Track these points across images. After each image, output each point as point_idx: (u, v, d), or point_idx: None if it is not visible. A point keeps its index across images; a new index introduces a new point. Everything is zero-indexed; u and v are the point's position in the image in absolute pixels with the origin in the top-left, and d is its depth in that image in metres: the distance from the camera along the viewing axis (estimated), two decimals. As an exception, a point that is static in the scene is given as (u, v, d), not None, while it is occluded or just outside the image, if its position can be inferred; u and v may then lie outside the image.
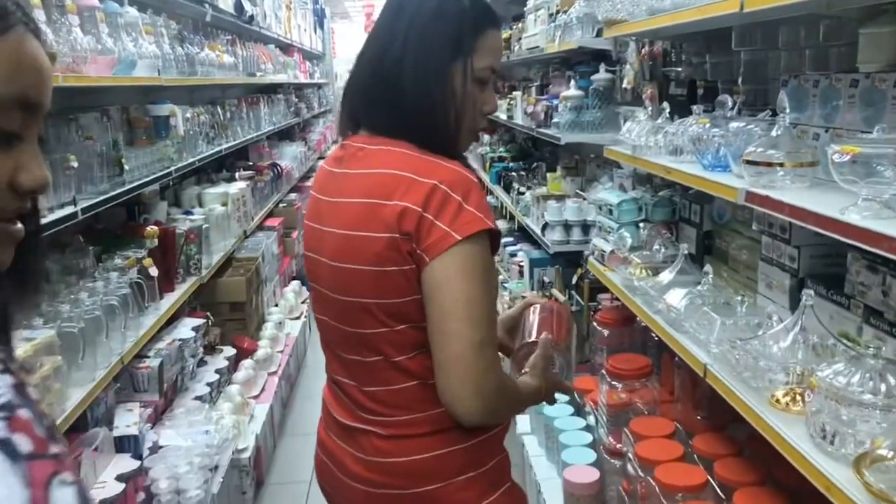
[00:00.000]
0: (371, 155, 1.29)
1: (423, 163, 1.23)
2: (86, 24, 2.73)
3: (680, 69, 2.74)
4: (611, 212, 2.82)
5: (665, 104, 2.46)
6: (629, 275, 2.47)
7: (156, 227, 3.12)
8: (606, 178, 3.54)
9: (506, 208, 5.15)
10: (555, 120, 3.57)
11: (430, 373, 1.24)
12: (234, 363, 3.66)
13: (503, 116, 5.20)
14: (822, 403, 1.39)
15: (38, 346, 1.98)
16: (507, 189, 5.01)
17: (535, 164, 5.05)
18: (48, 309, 2.27)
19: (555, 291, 3.18)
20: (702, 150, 2.03)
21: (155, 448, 2.57)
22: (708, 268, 2.13)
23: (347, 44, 19.24)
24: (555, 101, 3.76)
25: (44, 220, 2.24)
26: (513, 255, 4.64)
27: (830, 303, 1.75)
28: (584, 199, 3.60)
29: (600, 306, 3.08)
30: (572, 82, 3.51)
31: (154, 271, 2.93)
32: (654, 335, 2.33)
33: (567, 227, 3.51)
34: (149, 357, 2.80)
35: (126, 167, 2.90)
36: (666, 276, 2.26)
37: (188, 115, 3.83)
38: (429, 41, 1.27)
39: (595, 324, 2.91)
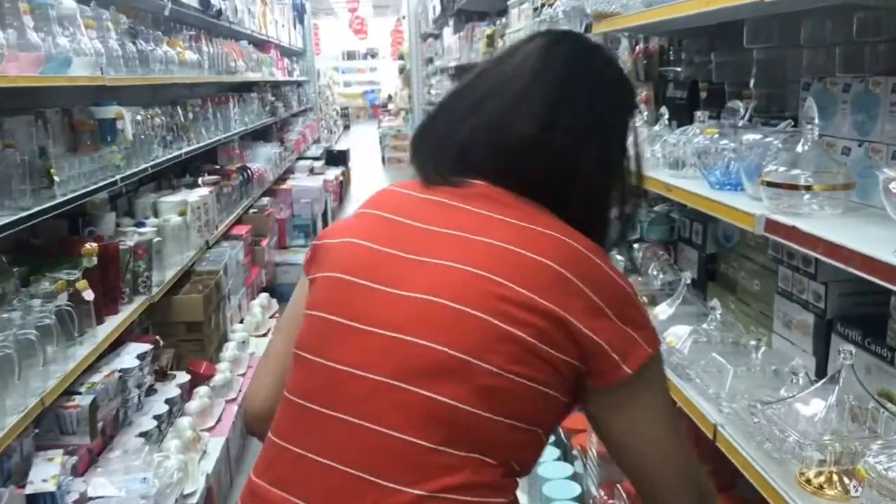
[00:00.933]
0: (509, 204, 1.05)
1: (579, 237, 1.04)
2: (6, 16, 2.40)
3: (679, 69, 2.44)
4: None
5: (663, 109, 2.16)
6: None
7: (94, 244, 2.79)
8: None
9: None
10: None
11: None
12: (189, 390, 3.33)
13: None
14: (873, 499, 1.09)
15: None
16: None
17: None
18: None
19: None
20: (708, 165, 1.73)
21: (82, 500, 2.24)
22: (715, 302, 1.83)
23: (332, 40, 18.92)
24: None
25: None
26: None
27: (867, 353, 1.45)
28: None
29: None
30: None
31: (89, 295, 2.60)
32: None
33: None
34: (80, 394, 2.47)
35: (57, 178, 2.57)
36: (665, 309, 1.96)
37: (139, 117, 3.50)
38: (613, 117, 1.14)
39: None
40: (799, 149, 1.41)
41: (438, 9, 8.18)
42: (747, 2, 1.44)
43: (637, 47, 2.67)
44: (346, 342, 1.01)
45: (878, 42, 1.54)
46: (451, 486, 0.94)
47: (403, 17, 15.38)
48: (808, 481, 1.29)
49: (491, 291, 0.96)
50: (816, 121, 1.41)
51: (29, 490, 2.09)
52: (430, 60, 10.66)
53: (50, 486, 2.09)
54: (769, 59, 1.94)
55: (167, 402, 3.09)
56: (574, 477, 2.41)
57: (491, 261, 0.98)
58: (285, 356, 1.11)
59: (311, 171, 8.57)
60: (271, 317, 4.77)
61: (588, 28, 2.70)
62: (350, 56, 21.95)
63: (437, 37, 9.89)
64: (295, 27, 10.07)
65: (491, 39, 5.00)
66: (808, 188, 1.36)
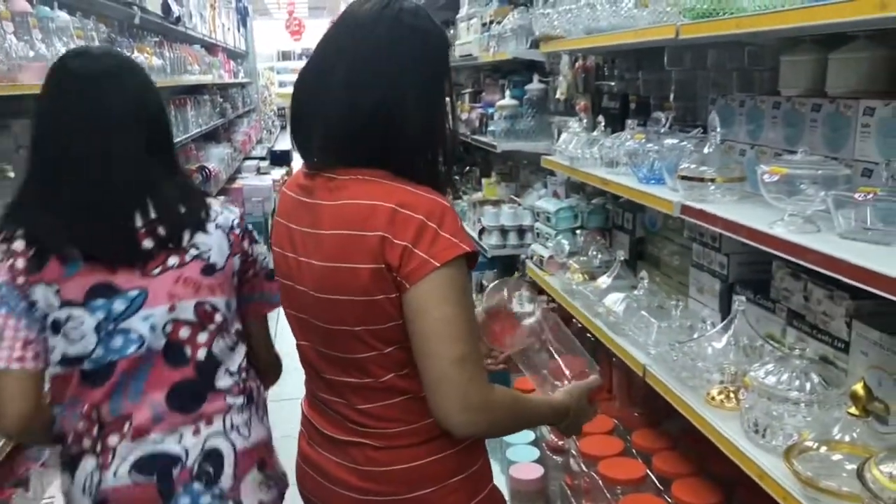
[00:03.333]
0: (345, 186, 1.29)
1: (399, 192, 1.25)
2: (18, 29, 2.68)
3: (613, 83, 2.89)
4: (548, 219, 2.94)
5: (600, 117, 2.59)
6: (568, 279, 2.59)
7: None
8: (541, 185, 3.68)
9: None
10: (490, 128, 3.68)
11: (419, 387, 1.29)
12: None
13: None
14: (754, 400, 1.54)
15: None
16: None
17: (467, 168, 5.16)
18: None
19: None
20: (637, 164, 2.16)
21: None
22: (644, 273, 2.27)
23: (267, 41, 18.95)
24: (490, 110, 3.87)
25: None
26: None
27: (757, 307, 1.90)
28: (519, 204, 3.73)
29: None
30: (507, 92, 3.62)
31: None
32: (590, 336, 2.46)
33: (503, 231, 3.63)
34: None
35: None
36: (604, 280, 2.39)
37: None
38: (428, 81, 1.31)
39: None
40: (706, 150, 1.85)
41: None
42: (665, 37, 1.87)
43: (577, 63, 3.11)
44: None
45: (762, 70, 2.01)
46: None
47: (341, 20, 15.62)
48: (713, 399, 1.72)
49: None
50: (719, 129, 1.86)
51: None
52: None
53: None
54: (684, 78, 2.39)
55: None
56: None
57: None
58: None
59: (258, 171, 8.82)
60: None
61: (534, 44, 3.14)
62: (285, 56, 21.94)
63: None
64: (239, 30, 10.27)
65: (438, 48, 5.39)
66: (712, 180, 1.80)
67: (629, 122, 2.35)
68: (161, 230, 1.48)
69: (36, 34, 2.78)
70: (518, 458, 2.69)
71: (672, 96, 2.44)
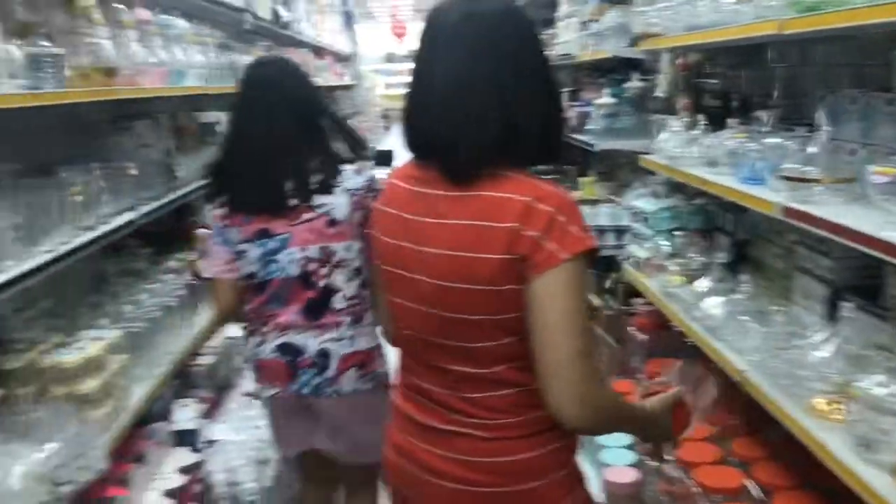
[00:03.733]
0: (475, 178, 1.31)
1: (529, 185, 1.29)
2: (141, 37, 2.86)
3: (714, 81, 2.81)
4: (646, 220, 2.90)
5: (700, 115, 2.53)
6: (665, 282, 2.55)
7: (205, 230, 3.23)
8: (640, 185, 3.62)
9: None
10: (589, 126, 3.65)
11: (530, 380, 1.32)
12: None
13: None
14: (861, 413, 1.47)
15: (108, 346, 2.10)
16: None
17: (564, 167, 5.12)
18: (112, 309, 2.39)
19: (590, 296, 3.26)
20: (738, 164, 2.11)
21: (210, 442, 2.69)
22: (745, 277, 2.21)
23: (372, 44, 19.35)
24: (588, 108, 3.84)
25: (106, 227, 2.38)
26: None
27: (866, 314, 1.82)
28: (618, 204, 3.68)
29: (635, 310, 3.16)
30: (606, 90, 3.58)
31: (204, 271, 3.04)
32: (688, 341, 2.41)
33: (601, 231, 3.59)
34: (202, 355, 2.92)
35: (178, 173, 3.03)
36: (702, 284, 2.34)
37: (232, 121, 3.95)
38: (548, 73, 1.36)
39: (631, 328, 2.99)
40: (811, 150, 1.78)
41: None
42: (769, 32, 1.81)
43: (677, 61, 3.04)
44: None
45: (875, 66, 1.91)
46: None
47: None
48: (816, 409, 1.66)
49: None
50: (826, 127, 1.78)
51: (175, 428, 2.55)
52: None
53: (191, 425, 2.55)
54: (789, 75, 2.31)
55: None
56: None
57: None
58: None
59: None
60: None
61: (633, 42, 3.09)
62: (390, 59, 22.30)
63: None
64: (345, 33, 10.55)
65: (538, 48, 5.37)
66: (817, 181, 1.73)
67: (730, 120, 2.29)
68: (301, 193, 2.09)
69: (156, 41, 2.96)
70: (613, 461, 2.66)
71: (776, 94, 2.36)
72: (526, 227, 1.25)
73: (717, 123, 2.47)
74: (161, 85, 2.95)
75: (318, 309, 2.14)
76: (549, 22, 5.04)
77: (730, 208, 2.55)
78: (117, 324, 2.28)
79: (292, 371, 2.16)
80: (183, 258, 2.98)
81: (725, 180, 2.13)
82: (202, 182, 3.30)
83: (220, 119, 3.70)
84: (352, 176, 2.14)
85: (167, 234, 3.37)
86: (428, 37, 1.36)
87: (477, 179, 1.30)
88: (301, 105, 2.14)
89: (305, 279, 2.13)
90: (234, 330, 3.34)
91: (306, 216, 2.10)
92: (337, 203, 2.10)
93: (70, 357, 1.95)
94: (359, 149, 2.29)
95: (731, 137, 2.19)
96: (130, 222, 2.53)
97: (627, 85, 3.50)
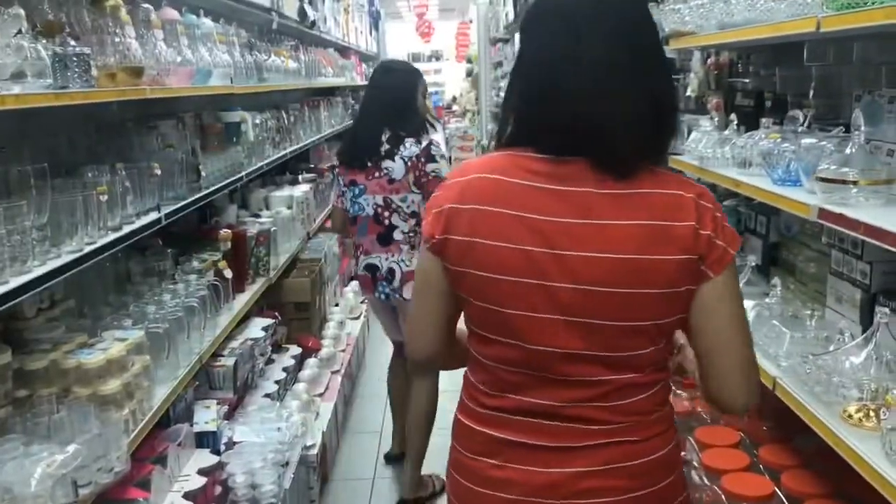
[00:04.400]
0: (632, 175, 1.22)
1: (681, 181, 1.26)
2: (167, 36, 2.86)
3: (747, 80, 2.75)
4: None
5: (733, 115, 2.48)
6: (694, 285, 2.49)
7: (229, 231, 3.24)
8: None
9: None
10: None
11: (666, 376, 1.35)
12: (300, 362, 3.77)
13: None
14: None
15: (130, 346, 2.10)
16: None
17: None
18: (135, 309, 2.40)
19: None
20: (772, 164, 2.05)
21: (230, 443, 2.68)
22: (776, 280, 2.15)
23: (398, 44, 19.42)
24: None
25: (130, 227, 2.38)
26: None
27: (904, 319, 1.76)
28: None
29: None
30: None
31: (228, 273, 3.05)
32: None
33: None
34: (224, 356, 2.92)
35: (203, 173, 3.03)
36: (733, 287, 2.28)
37: (257, 120, 3.96)
38: (660, 47, 1.31)
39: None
40: (848, 151, 1.73)
41: (511, 15, 8.52)
42: (805, 30, 1.76)
43: (709, 59, 2.98)
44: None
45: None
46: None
47: (470, 21, 15.74)
48: (850, 416, 1.61)
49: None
50: (863, 128, 1.73)
51: (196, 429, 2.54)
52: (500, 64, 10.99)
53: (212, 427, 2.55)
54: (826, 74, 2.24)
55: (284, 369, 3.53)
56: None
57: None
58: (438, 315, 1.39)
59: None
60: (361, 302, 5.20)
61: (665, 41, 3.03)
62: (415, 58, 22.30)
63: (508, 41, 10.21)
64: (371, 33, 10.56)
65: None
66: (854, 183, 1.67)
67: (764, 120, 2.23)
68: (374, 159, 3.13)
69: (183, 41, 2.96)
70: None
71: (812, 93, 2.29)
72: (702, 226, 1.21)
73: (749, 123, 2.42)
74: (186, 84, 2.95)
75: (385, 239, 3.15)
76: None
77: (762, 210, 2.49)
78: (140, 324, 2.27)
79: (373, 282, 3.19)
80: (206, 258, 2.98)
81: (759, 181, 2.07)
82: (226, 182, 3.34)
83: (244, 118, 3.70)
84: (410, 146, 3.09)
85: (191, 234, 3.38)
86: (546, 26, 1.27)
87: (636, 175, 1.22)
88: (399, 102, 3.19)
89: (377, 218, 3.14)
90: (256, 331, 3.35)
91: (375, 174, 3.12)
92: (395, 167, 3.08)
93: (92, 358, 1.94)
94: (426, 128, 3.25)
95: (764, 138, 2.14)
96: (155, 223, 2.53)
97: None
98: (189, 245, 3.20)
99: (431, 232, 1.31)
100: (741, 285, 2.24)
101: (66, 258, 1.91)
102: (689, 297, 1.23)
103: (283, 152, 4.44)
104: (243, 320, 3.40)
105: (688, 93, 3.17)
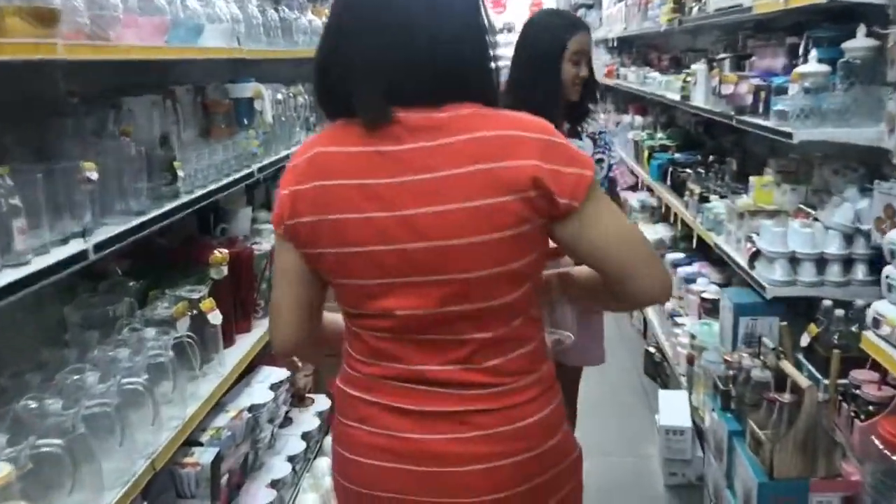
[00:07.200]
0: (459, 121, 1.21)
1: (515, 118, 1.24)
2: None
3: None
4: (903, 258, 1.77)
5: None
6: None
7: (224, 252, 2.30)
8: (853, 190, 2.46)
9: (672, 211, 4.10)
10: (778, 106, 2.50)
11: (537, 333, 1.33)
12: (330, 418, 2.84)
13: (675, 97, 4.12)
14: None
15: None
16: (678, 189, 3.95)
17: (710, 157, 3.96)
18: (31, 408, 1.47)
19: (785, 365, 2.15)
20: None
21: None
22: None
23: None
24: (773, 80, 2.69)
25: (37, 266, 1.48)
26: (689, 280, 3.56)
27: None
28: (816, 219, 2.53)
29: (859, 391, 2.03)
30: (813, 52, 2.42)
31: (216, 318, 2.12)
32: None
33: (794, 260, 2.46)
34: (201, 444, 2.00)
35: (181, 173, 2.09)
36: None
37: (280, 95, 3.01)
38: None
39: (867, 435, 1.87)
40: None
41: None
42: None
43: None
44: None
45: None
46: None
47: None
48: None
49: None
50: None
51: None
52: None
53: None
54: None
55: (304, 436, 2.60)
56: None
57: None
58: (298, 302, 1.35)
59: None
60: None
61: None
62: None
63: (592, 6, 9.09)
64: None
65: (680, 3, 4.21)
66: None
67: None
68: None
69: (150, -21, 2.01)
70: None
71: None
72: (541, 160, 1.19)
73: None
74: (156, 42, 2.02)
75: None
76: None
77: None
78: (20, 444, 1.34)
79: None
80: (184, 296, 2.05)
81: None
82: (226, 181, 2.41)
83: (258, 93, 2.75)
84: None
85: (174, 252, 2.46)
86: None
87: (461, 120, 1.21)
88: None
89: None
90: (261, 391, 2.42)
91: None
92: None
93: None
94: None
95: None
96: (79, 256, 1.62)
97: (848, 45, 2.33)
98: (169, 271, 2.28)
99: (279, 218, 1.28)
100: None
101: None
102: (540, 233, 1.24)
103: (319, 136, 3.49)
104: (247, 372, 2.48)
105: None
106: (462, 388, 1.26)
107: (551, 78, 2.32)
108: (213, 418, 2.11)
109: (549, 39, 2.35)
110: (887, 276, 1.76)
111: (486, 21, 1.28)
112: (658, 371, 3.86)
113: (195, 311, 2.06)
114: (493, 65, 1.28)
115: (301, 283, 1.32)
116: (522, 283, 1.25)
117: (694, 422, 2.95)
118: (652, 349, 3.95)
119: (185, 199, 2.09)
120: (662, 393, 3.20)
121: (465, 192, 1.18)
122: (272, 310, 1.39)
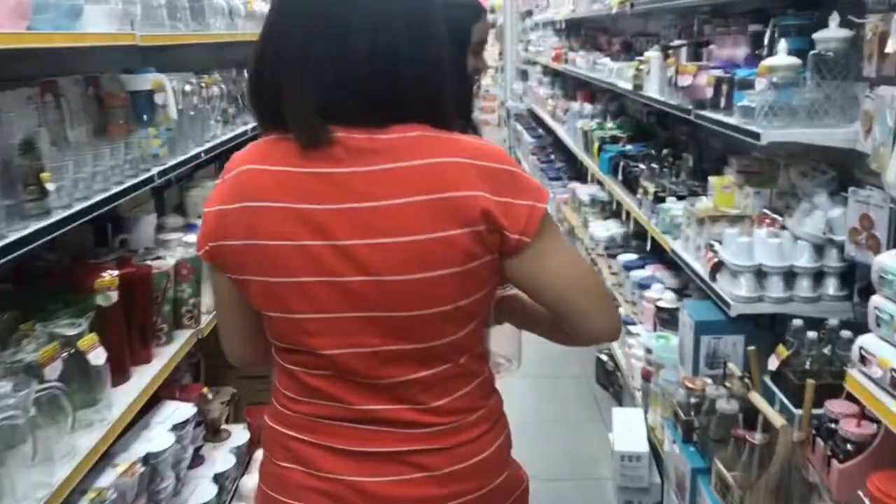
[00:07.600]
0: (403, 145, 1.11)
1: (466, 144, 1.14)
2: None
3: None
4: (893, 283, 1.53)
5: None
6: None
7: (112, 274, 1.97)
8: (822, 195, 2.24)
9: (623, 207, 3.87)
10: (743, 102, 2.25)
11: (483, 367, 1.28)
12: (248, 453, 2.53)
13: (626, 86, 3.87)
14: None
15: None
16: (630, 186, 3.71)
17: (664, 150, 3.73)
18: None
19: (756, 399, 1.91)
20: None
21: None
22: None
23: None
24: (736, 72, 2.44)
25: None
26: (643, 286, 3.31)
27: None
28: (783, 227, 2.31)
29: (837, 426, 1.81)
30: (783, 43, 2.18)
31: (98, 357, 1.79)
32: None
33: (760, 273, 2.23)
34: (77, 512, 1.67)
35: (51, 186, 1.75)
36: None
37: (188, 87, 2.66)
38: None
39: (851, 482, 1.64)
40: None
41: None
42: None
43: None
44: None
45: None
46: None
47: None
48: None
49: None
50: None
51: None
52: (529, 14, 9.59)
53: None
54: None
55: (216, 478, 2.29)
56: None
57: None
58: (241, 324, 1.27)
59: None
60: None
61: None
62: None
63: (543, -13, 8.85)
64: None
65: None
66: None
67: None
68: None
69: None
70: None
71: None
72: (490, 192, 1.10)
73: None
74: (13, 29, 1.67)
75: None
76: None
77: None
78: None
79: None
80: (58, 333, 1.72)
81: None
82: (117, 189, 2.07)
83: (159, 85, 2.40)
84: None
85: (58, 272, 2.11)
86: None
87: (405, 144, 1.11)
88: None
89: None
90: (161, 437, 2.10)
91: None
92: None
93: None
94: None
95: None
96: None
97: (820, 35, 2.09)
98: (49, 298, 1.93)
99: (203, 239, 1.18)
100: None
101: None
102: (489, 269, 1.16)
103: (240, 129, 3.15)
104: (147, 408, 2.15)
105: (888, 48, 1.84)
106: (407, 428, 1.20)
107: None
108: (95, 478, 1.79)
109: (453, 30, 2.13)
110: (876, 308, 1.53)
111: (438, 31, 1.17)
112: (611, 380, 3.64)
113: (72, 351, 1.73)
114: (445, 80, 1.18)
115: (238, 309, 1.24)
116: (470, 321, 1.19)
117: (651, 442, 2.73)
118: (604, 357, 3.73)
119: (56, 217, 1.76)
120: (616, 411, 2.97)
121: (410, 225, 1.10)
122: (219, 327, 1.34)
